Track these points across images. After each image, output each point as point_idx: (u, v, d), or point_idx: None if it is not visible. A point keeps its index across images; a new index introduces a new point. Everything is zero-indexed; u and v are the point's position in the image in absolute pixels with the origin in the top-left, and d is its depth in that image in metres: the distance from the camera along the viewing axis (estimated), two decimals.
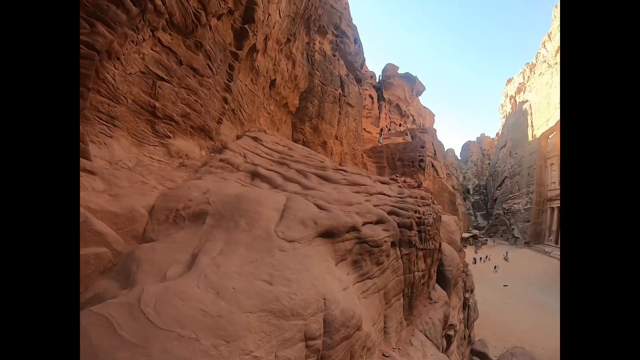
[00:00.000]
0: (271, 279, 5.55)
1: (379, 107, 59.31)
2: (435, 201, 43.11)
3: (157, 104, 10.26)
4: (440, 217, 21.05)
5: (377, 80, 62.87)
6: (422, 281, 14.45)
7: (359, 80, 37.52)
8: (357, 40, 36.18)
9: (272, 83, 20.54)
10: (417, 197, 18.09)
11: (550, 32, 71.88)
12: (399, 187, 39.73)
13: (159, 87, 10.34)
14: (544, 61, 74.97)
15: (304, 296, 5.54)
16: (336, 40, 31.80)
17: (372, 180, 16.23)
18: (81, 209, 5.49)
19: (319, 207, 9.07)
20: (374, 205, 11.58)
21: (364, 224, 9.43)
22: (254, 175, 11.47)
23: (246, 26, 14.38)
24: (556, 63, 66.97)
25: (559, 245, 60.47)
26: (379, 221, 10.42)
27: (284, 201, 8.47)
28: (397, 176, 43.43)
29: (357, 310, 7.04)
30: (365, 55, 38.84)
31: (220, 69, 13.31)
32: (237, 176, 10.97)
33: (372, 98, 56.75)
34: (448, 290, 18.41)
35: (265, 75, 18.67)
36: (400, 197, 15.43)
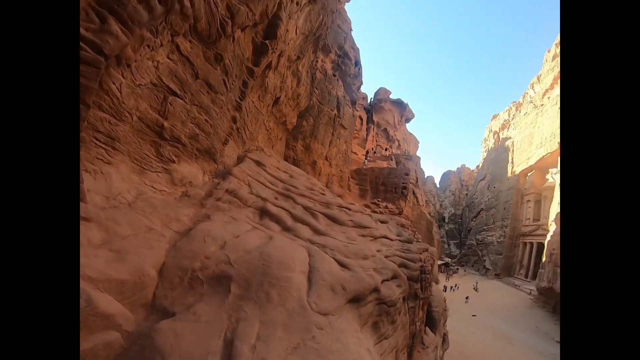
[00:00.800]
0: None
1: (367, 129, 59.04)
2: (415, 229, 42.85)
3: (165, 123, 8.87)
4: (435, 261, 20.69)
5: (369, 102, 62.79)
6: (419, 328, 14.17)
7: (353, 103, 37.07)
8: (357, 63, 35.82)
9: (276, 100, 19.44)
10: (415, 239, 17.51)
11: (540, 75, 74.33)
12: (378, 213, 39.25)
13: (170, 104, 8.96)
14: (531, 102, 77.96)
15: None
16: (338, 60, 31.25)
17: (374, 221, 15.69)
18: (81, 284, 4.21)
19: (340, 263, 8.45)
20: (385, 257, 11.07)
21: (382, 281, 8.95)
22: (263, 212, 10.44)
23: (267, 42, 13.26)
24: (542, 105, 69.65)
25: (528, 279, 62.25)
26: (394, 277, 9.95)
27: (307, 259, 7.74)
28: (379, 201, 43.47)
29: None
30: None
31: (234, 85, 12.06)
32: (246, 213, 9.82)
33: (361, 119, 56.33)
34: (434, 330, 18.07)
35: (272, 93, 17.54)
36: (401, 241, 14.98)
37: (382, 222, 17.29)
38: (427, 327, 16.62)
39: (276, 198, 12.06)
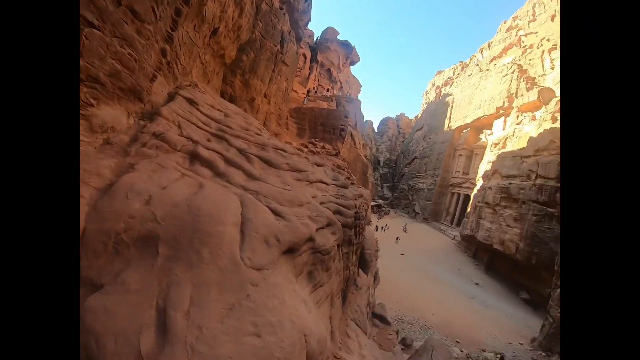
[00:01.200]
0: (257, 329, 4.97)
1: (310, 68, 57.30)
2: (350, 171, 44.10)
3: (80, 61, 7.53)
4: (369, 205, 21.34)
5: (315, 41, 60.31)
6: (352, 272, 14.83)
7: (299, 39, 35.29)
8: None
9: (214, 31, 17.74)
10: (351, 182, 17.84)
11: (491, 42, 78.29)
12: (315, 153, 39.20)
13: (86, 37, 7.56)
14: (477, 65, 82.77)
15: (290, 340, 5.26)
16: None
17: (310, 164, 15.62)
18: None
19: (274, 212, 8.32)
20: (321, 203, 11.14)
21: (317, 230, 9.00)
22: (194, 156, 9.76)
23: None
24: (487, 70, 74.04)
25: (453, 226, 69.21)
26: (328, 224, 10.04)
27: (239, 209, 7.44)
28: (316, 141, 43.81)
29: (324, 331, 7.03)
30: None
31: (165, 13, 10.50)
32: (176, 159, 9.12)
33: (305, 57, 54.29)
34: (367, 271, 19.04)
35: (210, 23, 15.85)
36: (336, 185, 15.19)
37: (318, 165, 17.26)
38: (359, 269, 17.54)
39: (209, 140, 11.39)
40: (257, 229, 6.95)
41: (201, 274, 5.31)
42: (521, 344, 27.19)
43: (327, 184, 14.30)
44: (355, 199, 14.85)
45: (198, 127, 11.83)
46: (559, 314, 24.52)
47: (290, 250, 7.47)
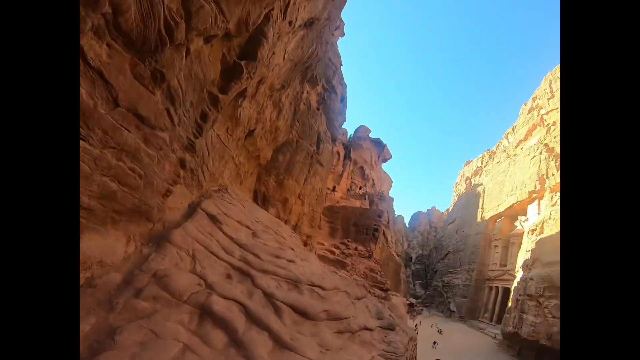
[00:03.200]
0: None
1: (344, 166, 57.21)
2: (382, 273, 40.84)
3: None
4: (416, 341, 18.47)
5: (348, 139, 61.31)
6: None
7: (334, 140, 34.73)
8: (343, 99, 33.72)
9: (250, 133, 16.16)
10: (396, 320, 15.25)
11: (515, 126, 78.02)
12: (348, 255, 36.47)
13: None
14: (504, 151, 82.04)
15: None
16: (324, 94, 28.89)
17: (350, 300, 13.07)
18: None
19: None
20: None
21: None
22: (204, 312, 7.01)
23: (243, 63, 10.00)
24: (515, 154, 72.97)
25: (493, 323, 62.26)
26: None
27: None
28: (348, 241, 41.52)
29: None
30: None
31: (187, 117, 8.58)
32: (179, 317, 6.42)
33: (338, 155, 54.53)
34: None
35: (245, 125, 14.26)
36: (382, 327, 12.88)
37: (359, 298, 14.74)
38: None
39: (228, 276, 8.88)
40: None
41: None
42: None
43: (372, 330, 11.94)
44: (407, 348, 12.57)
45: (217, 256, 9.32)
46: None
47: None
